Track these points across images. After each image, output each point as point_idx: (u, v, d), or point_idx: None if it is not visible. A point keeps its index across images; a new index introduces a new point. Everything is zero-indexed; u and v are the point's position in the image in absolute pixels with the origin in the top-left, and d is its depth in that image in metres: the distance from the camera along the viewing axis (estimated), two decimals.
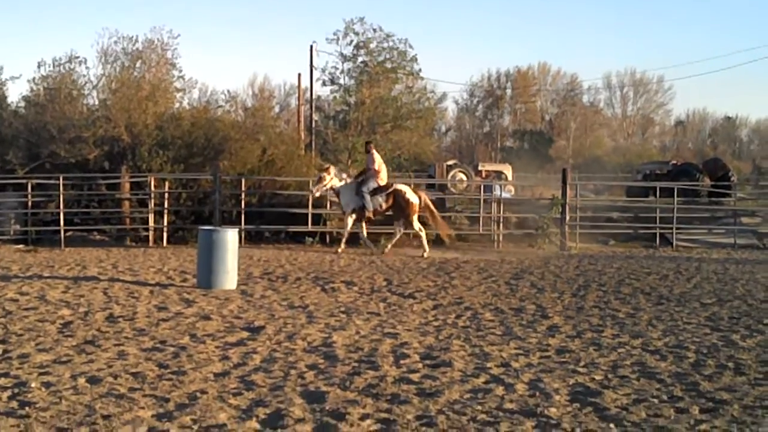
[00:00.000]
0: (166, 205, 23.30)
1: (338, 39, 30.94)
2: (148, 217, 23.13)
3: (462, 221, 25.21)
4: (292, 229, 23.24)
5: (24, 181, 22.75)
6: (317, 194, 21.15)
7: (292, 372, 8.08)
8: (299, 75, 35.68)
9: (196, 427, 6.31)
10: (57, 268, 16.68)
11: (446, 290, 14.30)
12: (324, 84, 32.78)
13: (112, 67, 25.85)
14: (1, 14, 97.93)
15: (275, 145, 25.68)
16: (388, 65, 31.01)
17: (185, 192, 24.00)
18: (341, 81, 31.86)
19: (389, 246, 21.09)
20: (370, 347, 9.32)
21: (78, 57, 25.85)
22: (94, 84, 26.09)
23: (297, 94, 34.33)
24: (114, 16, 75.28)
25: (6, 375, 7.79)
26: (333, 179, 20.66)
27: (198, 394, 7.21)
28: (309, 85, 34.28)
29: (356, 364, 8.45)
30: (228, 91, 39.39)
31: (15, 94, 33.78)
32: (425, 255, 20.27)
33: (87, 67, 26.02)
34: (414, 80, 32.39)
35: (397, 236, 21.30)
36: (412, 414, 6.75)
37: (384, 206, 20.76)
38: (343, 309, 12.05)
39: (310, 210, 23.15)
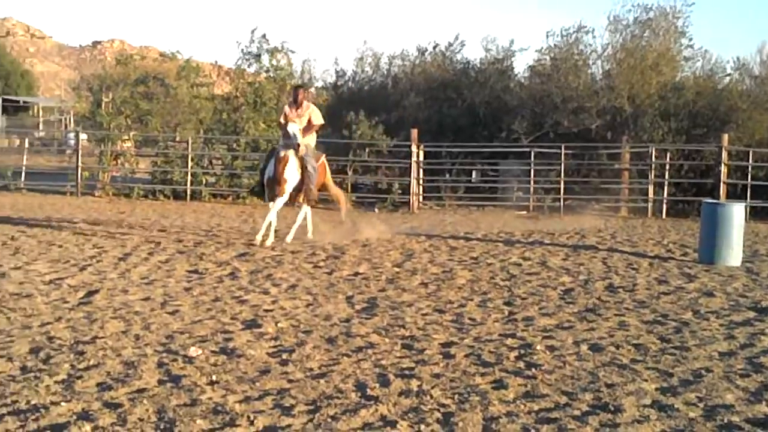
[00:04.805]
0: (666, 177, 22.95)
1: None
2: (647, 188, 22.97)
3: None
4: None
5: (527, 149, 23.68)
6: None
7: None
8: None
9: (701, 405, 6.06)
10: (557, 235, 17.11)
11: None
12: None
13: (620, 35, 25.90)
14: None
15: None
16: None
17: (687, 164, 23.40)
18: None
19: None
20: None
21: (585, 27, 26.27)
22: (599, 54, 26.35)
23: None
24: None
25: (513, 336, 8.11)
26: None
27: (702, 372, 6.92)
28: None
29: None
30: (737, 58, 37.56)
31: (521, 65, 35.29)
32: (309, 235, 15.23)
33: (594, 37, 26.38)
34: None
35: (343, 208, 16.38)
36: None
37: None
38: None
39: None
